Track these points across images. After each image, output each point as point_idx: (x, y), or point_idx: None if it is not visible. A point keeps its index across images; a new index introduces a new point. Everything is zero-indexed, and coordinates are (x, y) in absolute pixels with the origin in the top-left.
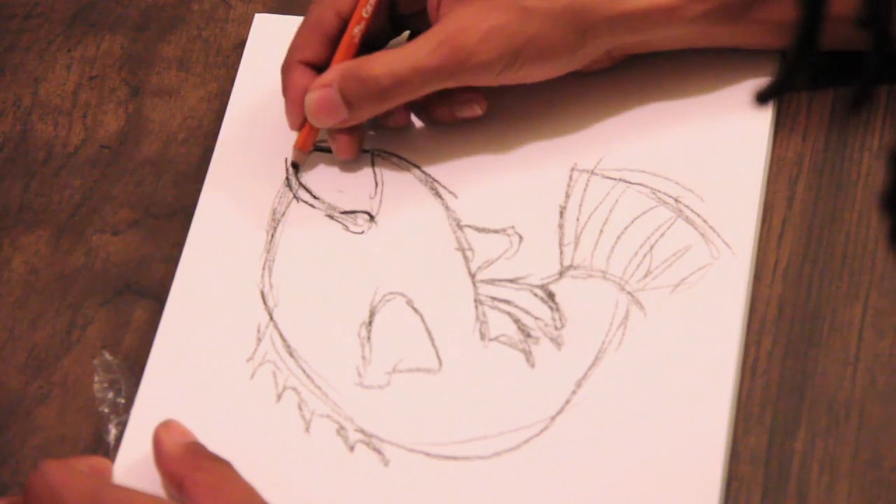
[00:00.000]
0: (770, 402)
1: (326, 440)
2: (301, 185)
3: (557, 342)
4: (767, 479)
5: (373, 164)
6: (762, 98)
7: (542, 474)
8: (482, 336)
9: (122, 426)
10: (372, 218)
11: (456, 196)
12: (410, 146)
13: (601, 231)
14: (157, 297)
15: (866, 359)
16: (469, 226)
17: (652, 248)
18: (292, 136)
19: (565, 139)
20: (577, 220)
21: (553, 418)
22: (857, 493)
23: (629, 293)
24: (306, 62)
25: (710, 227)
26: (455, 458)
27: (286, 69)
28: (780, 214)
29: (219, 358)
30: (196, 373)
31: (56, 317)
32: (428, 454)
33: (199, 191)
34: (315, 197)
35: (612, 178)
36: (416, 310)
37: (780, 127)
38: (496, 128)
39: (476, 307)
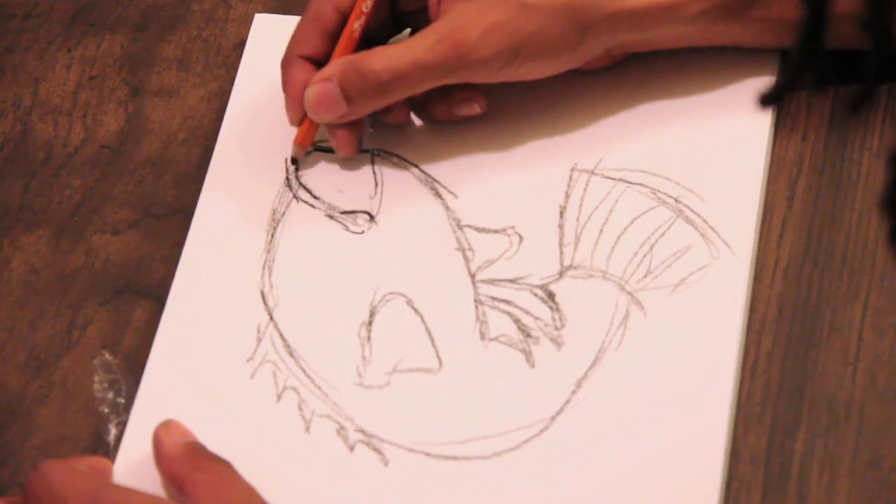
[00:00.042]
0: (770, 402)
1: (326, 440)
2: (301, 185)
3: (557, 342)
4: (767, 479)
5: (373, 164)
6: (767, 100)
7: (542, 474)
8: (482, 336)
9: (122, 426)
10: (372, 218)
11: (456, 196)
12: (410, 146)
13: (601, 231)
14: (157, 297)
15: (866, 359)
16: (469, 226)
17: (652, 248)
18: (292, 136)
19: (565, 139)
20: (577, 220)
21: (553, 418)
22: (857, 493)
23: (629, 293)
24: (306, 57)
25: (710, 227)
26: (455, 458)
27: (286, 64)
28: (780, 214)
29: (219, 358)
30: (196, 373)
31: (56, 317)
32: (428, 454)
33: (199, 191)
34: (315, 197)
35: (612, 178)
36: (416, 310)
37: (780, 127)
38: (496, 127)
39: (476, 307)
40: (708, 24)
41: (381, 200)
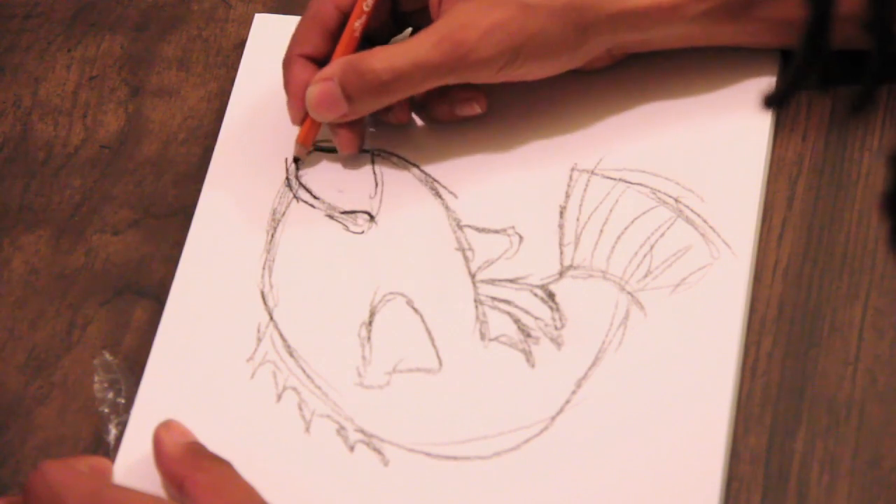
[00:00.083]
0: (770, 402)
1: (326, 440)
2: (301, 184)
3: (557, 342)
4: (767, 479)
5: (373, 164)
6: (771, 101)
7: (542, 474)
8: (482, 336)
9: (122, 426)
10: (372, 218)
11: (456, 196)
12: (410, 146)
13: (601, 231)
14: (157, 297)
15: (866, 359)
16: (469, 226)
17: (652, 248)
18: (292, 136)
19: (565, 139)
20: (578, 220)
21: (553, 418)
22: (857, 493)
23: (629, 293)
24: (307, 56)
25: (710, 227)
26: (455, 458)
27: (287, 63)
28: (780, 214)
29: (219, 358)
30: (196, 373)
31: (56, 317)
32: (428, 454)
33: (199, 191)
34: (315, 197)
35: (612, 178)
36: (416, 310)
37: (780, 127)
38: (496, 127)
39: (476, 307)
40: (709, 24)
41: (381, 200)
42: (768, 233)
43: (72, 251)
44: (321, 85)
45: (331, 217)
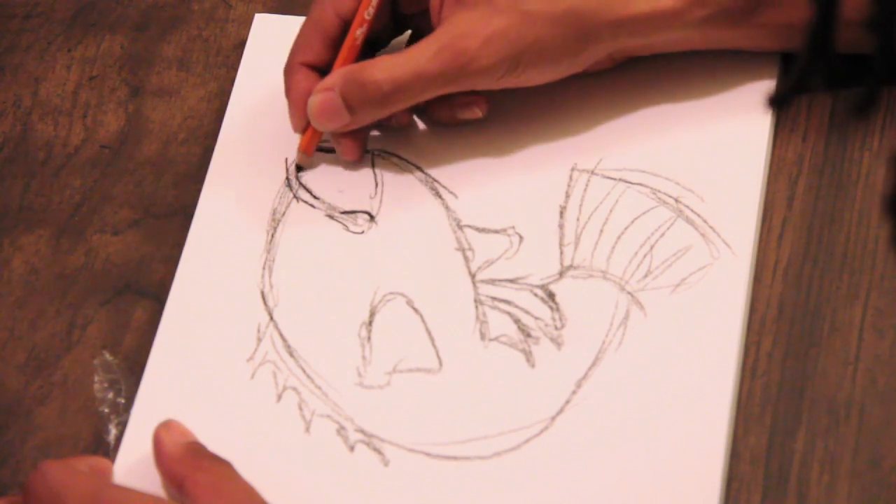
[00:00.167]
0: (770, 402)
1: (326, 440)
2: (301, 185)
3: (557, 342)
4: (767, 479)
5: (373, 165)
6: (775, 102)
7: (542, 474)
8: (482, 336)
9: (122, 426)
10: (372, 218)
11: (456, 196)
12: (411, 146)
13: (601, 231)
14: (157, 297)
15: (866, 359)
16: (469, 226)
17: (652, 248)
18: (292, 136)
19: (565, 139)
20: (578, 220)
21: (553, 418)
22: (857, 493)
23: (629, 293)
24: (308, 64)
25: (710, 227)
26: (455, 458)
27: (288, 71)
28: (780, 214)
29: (219, 358)
30: (196, 373)
31: (56, 317)
32: (428, 454)
33: (199, 191)
34: (315, 197)
35: (612, 178)
36: (416, 310)
37: (780, 127)
38: (496, 127)
39: (476, 307)
40: (710, 29)
41: (381, 200)
42: (768, 233)
43: (72, 251)
44: (322, 95)
45: (331, 217)
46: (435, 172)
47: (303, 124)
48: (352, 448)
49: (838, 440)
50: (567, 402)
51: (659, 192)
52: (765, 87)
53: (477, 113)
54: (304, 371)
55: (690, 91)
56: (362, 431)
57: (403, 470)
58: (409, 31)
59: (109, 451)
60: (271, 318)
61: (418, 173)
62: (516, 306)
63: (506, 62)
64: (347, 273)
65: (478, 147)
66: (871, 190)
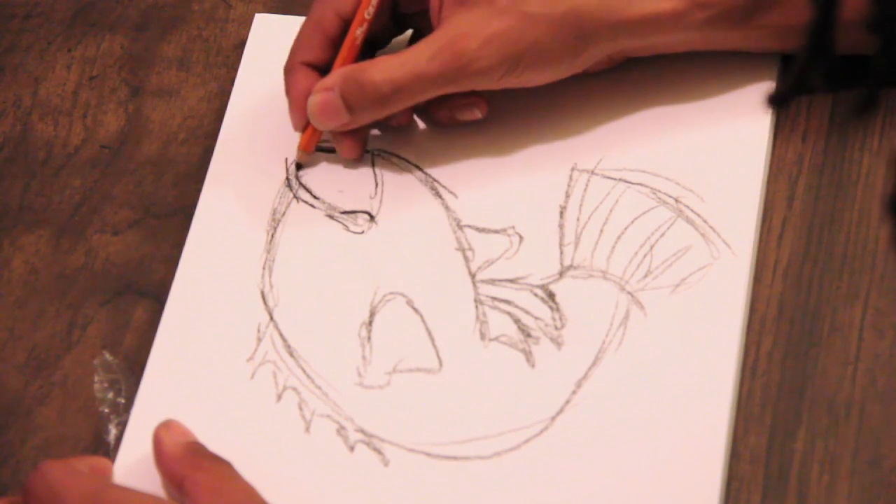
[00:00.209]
0: (770, 402)
1: (326, 440)
2: (301, 185)
3: (557, 342)
4: (767, 479)
5: (373, 165)
6: (775, 100)
7: (542, 474)
8: (482, 336)
9: (122, 426)
10: (372, 218)
11: (456, 196)
12: (411, 146)
13: (601, 231)
14: (157, 297)
15: (866, 359)
16: (469, 226)
17: (652, 248)
18: (292, 136)
19: (565, 139)
20: (578, 220)
21: (553, 418)
22: (857, 493)
23: (629, 293)
24: (309, 63)
25: (710, 227)
26: (455, 458)
27: (289, 70)
28: (780, 214)
29: (219, 358)
30: (196, 373)
31: (56, 317)
32: (428, 454)
33: (199, 191)
34: (315, 197)
35: (612, 178)
36: (416, 310)
37: (780, 127)
38: (496, 128)
39: (476, 307)
40: (710, 31)
41: (381, 200)
42: (768, 233)
43: (72, 251)
44: (322, 95)
45: (331, 217)
46: (435, 172)
47: (303, 123)
48: (352, 448)
49: (838, 440)
50: (567, 402)
51: (659, 192)
52: (765, 87)
53: (477, 114)
54: (304, 371)
55: (690, 91)
56: (362, 431)
57: (403, 470)
58: (410, 31)
59: (109, 451)
60: (271, 318)
61: (418, 173)
62: (516, 306)
63: (505, 63)
64: (347, 273)
65: (478, 147)
66: (871, 190)
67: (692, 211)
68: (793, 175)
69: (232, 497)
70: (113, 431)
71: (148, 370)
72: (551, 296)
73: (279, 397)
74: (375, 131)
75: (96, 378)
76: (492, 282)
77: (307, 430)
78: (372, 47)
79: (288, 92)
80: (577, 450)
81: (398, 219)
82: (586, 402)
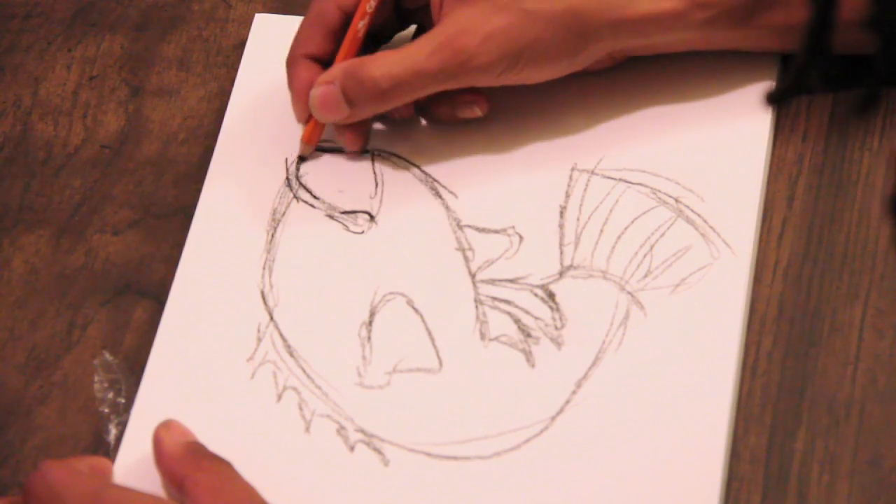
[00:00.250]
0: (770, 402)
1: (326, 440)
2: (301, 184)
3: (557, 342)
4: (767, 479)
5: (373, 164)
6: (773, 99)
7: (542, 474)
8: (482, 336)
9: (122, 426)
10: (372, 218)
11: (456, 196)
12: (411, 146)
13: (601, 231)
14: (157, 297)
15: (866, 359)
16: (469, 226)
17: (652, 248)
18: (293, 136)
19: (566, 139)
20: (578, 220)
21: (553, 418)
22: (857, 493)
23: (629, 293)
24: (311, 56)
25: (711, 227)
26: (455, 458)
27: (291, 63)
28: (780, 214)
29: (219, 358)
30: (196, 373)
31: (56, 317)
32: (428, 454)
33: (199, 191)
34: (315, 197)
35: (612, 178)
36: (416, 310)
37: (780, 127)
38: (496, 127)
39: (476, 307)
40: (711, 31)
41: (381, 200)
42: (768, 233)
43: (72, 251)
44: (323, 88)
45: (331, 217)
46: (435, 172)
47: (306, 115)
48: (352, 448)
49: (838, 440)
50: (567, 402)
51: (659, 192)
52: (765, 87)
53: (477, 112)
54: (304, 371)
55: (690, 91)
56: (362, 431)
57: (403, 470)
58: (413, 26)
59: (109, 451)
60: (271, 318)
61: (418, 173)
62: (516, 306)
63: (505, 60)
64: (347, 273)
65: (478, 146)
66: (871, 190)
67: (692, 211)
68: (793, 175)
69: (232, 497)
70: (113, 431)
71: (148, 370)
72: (551, 296)
73: (279, 397)
74: (378, 125)
75: (96, 378)
76: (492, 282)
77: (307, 430)
78: (375, 42)
79: (290, 84)
80: (577, 450)
81: (398, 219)
82: (586, 402)
